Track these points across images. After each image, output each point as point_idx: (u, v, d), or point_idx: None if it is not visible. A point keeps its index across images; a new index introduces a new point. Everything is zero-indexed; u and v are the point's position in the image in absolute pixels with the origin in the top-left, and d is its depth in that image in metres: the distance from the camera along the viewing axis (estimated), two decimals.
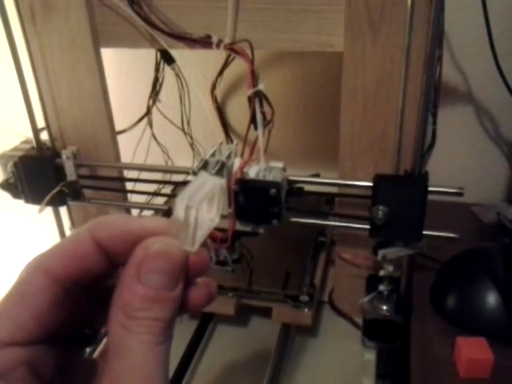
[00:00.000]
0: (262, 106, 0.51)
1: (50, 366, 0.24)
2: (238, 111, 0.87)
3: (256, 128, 0.52)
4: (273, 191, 0.50)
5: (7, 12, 0.56)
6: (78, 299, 0.24)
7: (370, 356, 0.60)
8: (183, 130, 0.81)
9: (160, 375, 0.21)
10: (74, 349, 0.26)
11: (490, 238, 0.70)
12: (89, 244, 0.23)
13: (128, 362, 0.21)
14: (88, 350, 0.55)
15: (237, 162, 0.52)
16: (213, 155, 0.51)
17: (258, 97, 0.50)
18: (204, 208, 0.24)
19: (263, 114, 0.51)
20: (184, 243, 0.23)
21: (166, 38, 0.55)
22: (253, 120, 0.51)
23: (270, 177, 0.52)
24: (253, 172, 0.52)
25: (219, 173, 0.49)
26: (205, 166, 0.49)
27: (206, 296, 0.25)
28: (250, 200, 0.51)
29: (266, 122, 0.52)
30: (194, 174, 0.49)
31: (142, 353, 0.21)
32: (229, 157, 0.51)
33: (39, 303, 0.22)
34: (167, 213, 0.62)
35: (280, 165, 0.53)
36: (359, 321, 0.62)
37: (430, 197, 0.50)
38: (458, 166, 0.81)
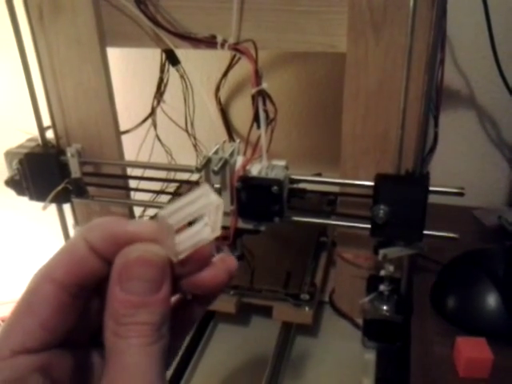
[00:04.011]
0: (265, 104, 0.51)
1: (67, 371, 0.24)
2: (242, 113, 0.88)
3: (259, 126, 0.52)
4: (275, 188, 0.51)
5: (16, 11, 0.57)
6: (89, 302, 0.25)
7: (370, 356, 0.60)
8: (187, 131, 0.81)
9: (153, 375, 0.22)
10: (95, 352, 0.26)
11: (491, 241, 0.70)
12: (83, 248, 0.23)
13: (119, 366, 0.22)
14: None
15: (239, 160, 0.53)
16: (216, 153, 0.51)
17: (262, 95, 0.51)
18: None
19: (266, 112, 0.52)
20: (168, 250, 0.23)
21: (172, 37, 0.55)
22: (256, 118, 0.52)
23: (272, 174, 0.52)
24: (255, 170, 0.53)
25: (222, 170, 0.49)
26: (208, 163, 0.50)
27: (218, 276, 0.25)
28: (252, 197, 0.52)
29: (269, 121, 0.53)
30: (198, 170, 0.49)
31: (131, 355, 0.22)
32: (231, 154, 0.52)
33: (46, 311, 0.23)
34: None
35: (282, 163, 0.53)
36: (360, 321, 0.62)
37: (432, 199, 0.50)
38: (460, 169, 0.82)
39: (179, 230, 0.23)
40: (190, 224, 0.24)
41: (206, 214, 0.24)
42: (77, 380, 0.24)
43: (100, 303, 0.24)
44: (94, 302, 0.25)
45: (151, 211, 0.75)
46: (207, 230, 0.24)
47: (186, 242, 0.23)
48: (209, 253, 0.24)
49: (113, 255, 0.23)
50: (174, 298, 0.26)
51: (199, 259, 0.24)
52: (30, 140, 0.66)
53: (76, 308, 0.24)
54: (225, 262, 0.25)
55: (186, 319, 0.27)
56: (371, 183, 0.52)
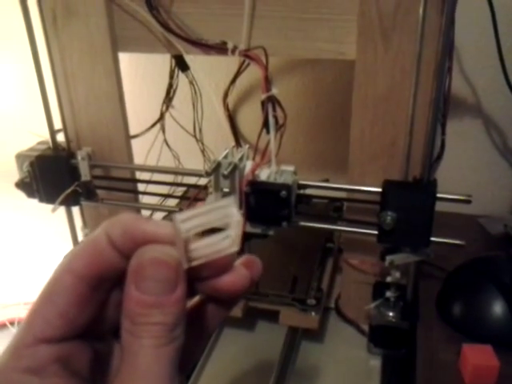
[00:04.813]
0: (274, 110, 0.52)
1: (87, 362, 0.24)
2: (249, 119, 0.89)
3: (268, 131, 0.53)
4: (283, 193, 0.51)
5: (30, 15, 0.58)
6: (110, 295, 0.25)
7: (376, 362, 0.60)
8: (195, 136, 0.82)
9: (163, 377, 0.22)
10: (117, 345, 0.26)
11: (496, 249, 0.70)
12: (104, 241, 0.23)
13: (131, 365, 0.22)
14: None
15: (248, 165, 0.53)
16: (225, 157, 0.52)
17: (271, 101, 0.51)
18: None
19: (275, 117, 0.52)
20: (180, 254, 0.23)
21: (183, 43, 0.56)
22: (265, 124, 0.52)
23: (280, 179, 0.53)
24: (264, 174, 0.53)
25: (231, 174, 0.50)
26: (217, 167, 0.51)
27: (237, 282, 0.24)
28: (261, 202, 0.52)
29: (279, 126, 0.53)
30: (208, 175, 0.50)
31: (143, 355, 0.22)
32: (241, 159, 0.52)
33: (65, 301, 0.23)
34: None
35: (291, 168, 0.54)
36: (365, 327, 0.62)
37: (438, 208, 0.51)
38: (466, 178, 0.82)
39: (196, 237, 0.23)
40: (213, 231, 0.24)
41: (230, 226, 0.23)
42: (97, 372, 0.25)
43: (121, 296, 0.24)
44: (116, 295, 0.25)
45: (159, 214, 0.75)
46: (227, 243, 0.23)
47: (202, 250, 0.23)
48: (229, 260, 0.24)
49: (131, 252, 0.23)
50: (192, 302, 0.27)
51: (218, 265, 0.24)
52: (40, 143, 0.67)
53: (96, 300, 0.24)
54: (248, 267, 0.25)
55: (206, 323, 0.27)
56: (379, 189, 0.52)
